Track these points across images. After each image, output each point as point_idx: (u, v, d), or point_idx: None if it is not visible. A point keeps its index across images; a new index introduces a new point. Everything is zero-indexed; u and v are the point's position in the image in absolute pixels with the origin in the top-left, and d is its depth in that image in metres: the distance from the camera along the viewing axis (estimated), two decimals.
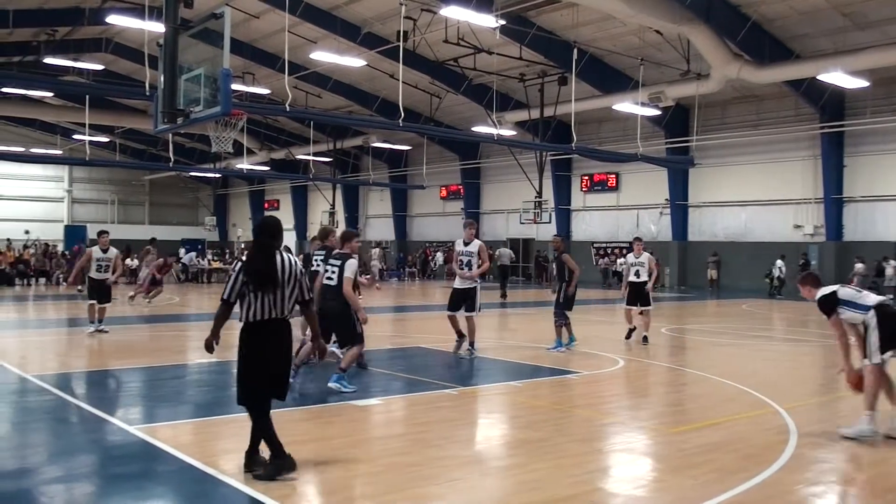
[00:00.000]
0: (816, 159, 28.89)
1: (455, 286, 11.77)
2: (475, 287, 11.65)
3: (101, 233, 14.70)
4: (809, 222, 29.45)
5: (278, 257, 5.63)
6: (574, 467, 5.99)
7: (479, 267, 11.61)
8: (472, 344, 11.66)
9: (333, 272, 8.85)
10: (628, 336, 13.76)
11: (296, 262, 5.74)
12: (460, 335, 11.71)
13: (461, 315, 11.65)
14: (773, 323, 19.22)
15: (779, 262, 28.42)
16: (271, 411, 5.71)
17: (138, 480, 5.58)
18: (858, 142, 28.07)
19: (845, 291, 7.10)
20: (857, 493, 5.63)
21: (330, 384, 8.67)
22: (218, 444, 6.36)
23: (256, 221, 5.95)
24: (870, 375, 6.87)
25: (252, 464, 5.67)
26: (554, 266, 13.48)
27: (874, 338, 6.83)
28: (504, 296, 26.12)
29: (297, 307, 5.76)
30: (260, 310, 5.56)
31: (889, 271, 27.03)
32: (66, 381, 9.70)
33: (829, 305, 7.04)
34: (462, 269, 11.68)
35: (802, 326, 19.22)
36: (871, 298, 7.03)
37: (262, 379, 5.62)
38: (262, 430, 5.65)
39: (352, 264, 8.77)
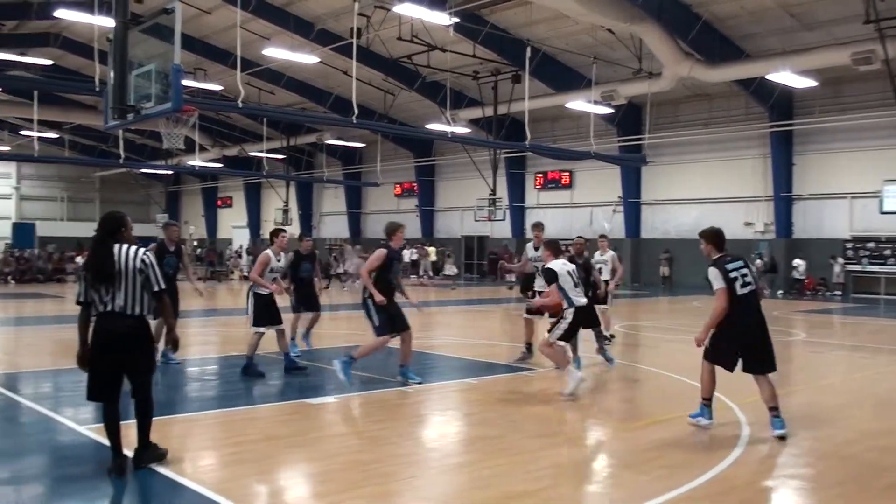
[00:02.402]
0: (766, 158, 29.43)
1: (535, 289, 10.83)
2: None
3: (276, 231, 10.44)
4: (760, 220, 30.00)
5: (117, 250, 5.54)
6: (528, 464, 6.02)
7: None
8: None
9: None
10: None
11: (137, 255, 5.58)
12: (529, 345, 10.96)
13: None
14: None
15: (798, 261, 28.43)
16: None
17: (89, 481, 5.49)
18: (807, 140, 28.67)
19: (566, 280, 8.64)
20: (808, 486, 5.74)
21: (335, 362, 9.02)
22: (171, 444, 6.28)
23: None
24: (548, 349, 8.67)
25: (139, 459, 5.68)
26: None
27: (564, 326, 8.61)
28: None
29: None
30: (102, 304, 5.51)
31: (836, 269, 27.71)
32: (14, 380, 9.49)
33: (551, 278, 8.62)
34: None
35: None
36: (580, 300, 8.71)
37: (110, 372, 5.55)
38: (107, 423, 5.58)
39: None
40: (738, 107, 30.01)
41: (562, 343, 8.73)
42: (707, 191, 31.41)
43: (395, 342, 9.23)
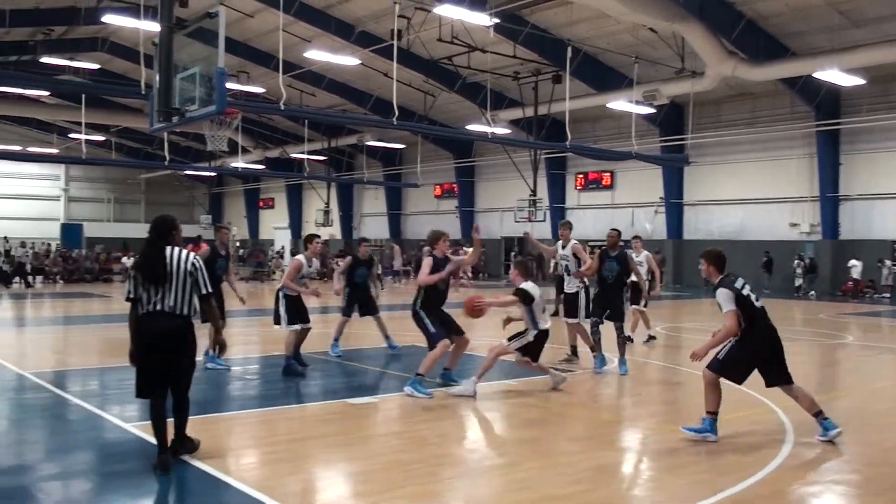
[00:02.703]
0: (812, 157, 28.92)
1: (565, 290, 11.16)
2: (577, 292, 10.94)
3: (310, 237, 10.87)
4: (806, 220, 29.47)
5: (168, 253, 5.76)
6: (568, 466, 6.00)
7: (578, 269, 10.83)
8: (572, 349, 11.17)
9: None
10: (647, 339, 13.59)
11: (189, 258, 5.82)
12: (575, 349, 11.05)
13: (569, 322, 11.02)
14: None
15: (854, 262, 27.65)
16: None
17: (135, 478, 5.58)
18: (854, 140, 28.11)
19: (538, 304, 8.75)
20: (855, 492, 5.63)
21: (406, 389, 8.57)
22: (216, 442, 6.37)
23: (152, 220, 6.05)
24: (497, 354, 8.77)
25: (175, 451, 5.84)
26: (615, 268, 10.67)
27: (524, 342, 8.78)
28: None
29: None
30: (151, 303, 5.69)
31: (885, 271, 27.13)
32: (63, 378, 9.70)
33: (527, 300, 8.70)
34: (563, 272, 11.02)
35: (799, 326, 19.25)
36: (544, 323, 8.82)
37: (157, 370, 5.72)
38: (154, 419, 5.72)
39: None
40: (782, 106, 29.53)
41: (519, 355, 8.88)
42: (751, 191, 30.95)
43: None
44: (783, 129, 29.31)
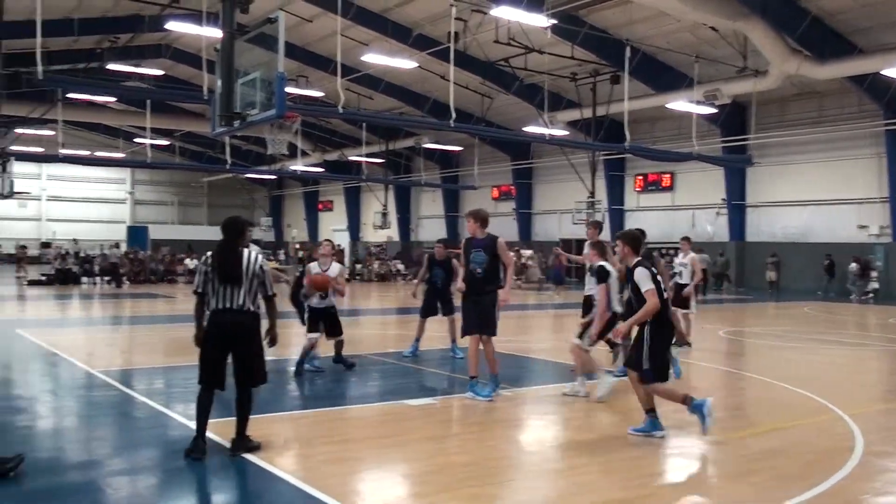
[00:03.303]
0: (881, 157, 28.07)
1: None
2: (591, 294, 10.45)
3: (319, 244, 10.96)
4: (875, 222, 28.61)
5: (243, 254, 6.12)
6: (629, 470, 5.92)
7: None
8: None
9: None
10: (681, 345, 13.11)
11: (258, 261, 6.14)
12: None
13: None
14: (835, 326, 18.75)
15: None
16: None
17: (198, 473, 5.70)
18: None
19: (613, 283, 8.56)
20: None
21: (467, 395, 8.54)
22: (276, 440, 6.46)
23: (223, 220, 6.33)
24: (582, 353, 8.66)
25: (236, 447, 6.09)
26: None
27: (595, 328, 8.61)
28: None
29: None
30: (222, 300, 6.01)
31: None
32: (130, 376, 9.93)
33: (603, 277, 8.55)
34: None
35: (866, 330, 18.73)
36: (618, 306, 8.52)
37: (223, 361, 6.05)
38: (199, 407, 6.06)
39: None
40: (849, 104, 28.74)
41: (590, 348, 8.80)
42: (816, 192, 30.17)
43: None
44: (850, 127, 28.51)
